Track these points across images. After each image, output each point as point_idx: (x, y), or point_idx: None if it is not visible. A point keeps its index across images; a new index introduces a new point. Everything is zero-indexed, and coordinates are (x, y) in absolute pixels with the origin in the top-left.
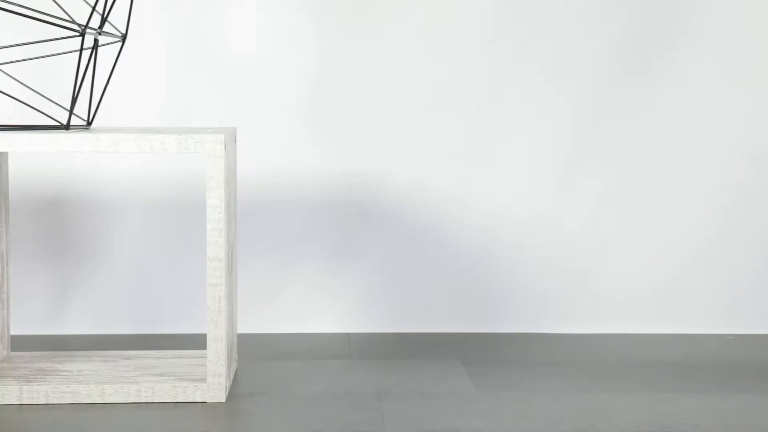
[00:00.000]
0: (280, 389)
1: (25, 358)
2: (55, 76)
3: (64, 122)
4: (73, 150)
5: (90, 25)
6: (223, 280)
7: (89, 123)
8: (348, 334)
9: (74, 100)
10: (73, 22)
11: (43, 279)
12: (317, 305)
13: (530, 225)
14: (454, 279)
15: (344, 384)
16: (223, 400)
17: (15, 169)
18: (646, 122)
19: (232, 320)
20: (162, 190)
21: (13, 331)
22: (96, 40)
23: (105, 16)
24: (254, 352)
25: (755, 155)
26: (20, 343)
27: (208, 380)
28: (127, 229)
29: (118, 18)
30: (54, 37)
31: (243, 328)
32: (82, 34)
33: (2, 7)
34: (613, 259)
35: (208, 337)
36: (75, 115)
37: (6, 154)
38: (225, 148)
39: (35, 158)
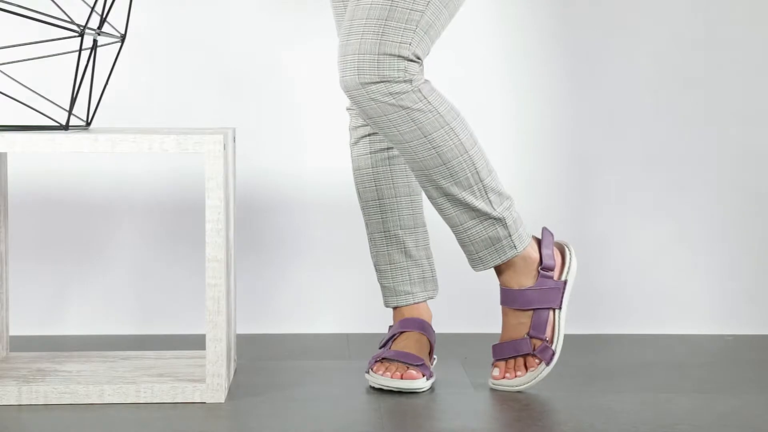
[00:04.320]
0: (280, 389)
1: (24, 359)
2: (54, 77)
3: (63, 123)
4: (72, 150)
5: (89, 25)
6: (222, 281)
7: (88, 123)
8: (347, 334)
9: (73, 100)
10: (72, 22)
11: (42, 279)
12: (317, 305)
13: (530, 225)
14: (453, 279)
15: (344, 384)
16: (223, 401)
17: (14, 169)
18: (647, 122)
19: (231, 321)
20: (161, 190)
21: (12, 332)
22: (95, 41)
23: (104, 16)
24: (253, 353)
25: (756, 154)
26: (19, 344)
27: (207, 381)
28: (126, 230)
29: (117, 18)
30: (53, 38)
31: (242, 328)
32: (81, 35)
33: (2, 7)
34: (613, 259)
35: (207, 338)
36: (74, 115)
37: (5, 154)
38: (224, 149)
39: (34, 158)
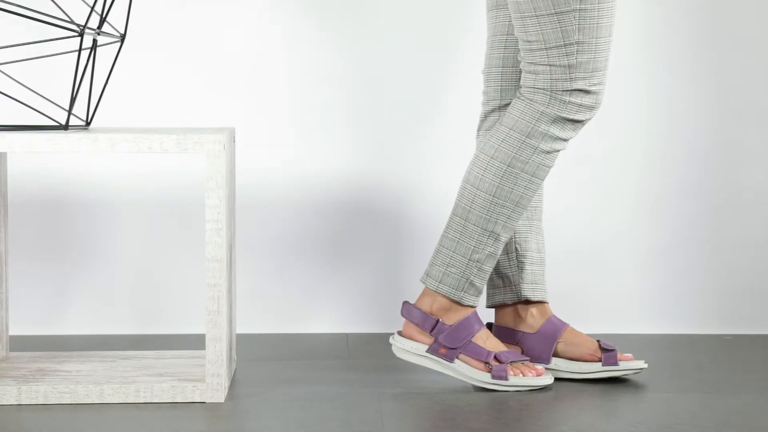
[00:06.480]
0: (279, 389)
1: (24, 359)
2: (53, 77)
3: (63, 122)
4: (71, 150)
5: (89, 25)
6: (222, 281)
7: (88, 123)
8: (347, 334)
9: (73, 100)
10: (72, 22)
11: (42, 279)
12: (316, 305)
13: None
14: None
15: (343, 384)
16: (222, 401)
17: (14, 169)
18: (647, 121)
19: (231, 320)
20: (161, 190)
21: (12, 332)
22: (95, 40)
23: (104, 16)
24: (253, 352)
25: (755, 155)
26: (19, 344)
27: (207, 380)
28: (125, 230)
29: (116, 18)
30: (53, 38)
31: (242, 328)
32: (81, 35)
33: (2, 7)
34: (613, 259)
35: (207, 338)
36: (74, 115)
37: (5, 154)
38: (224, 148)
39: (34, 158)
